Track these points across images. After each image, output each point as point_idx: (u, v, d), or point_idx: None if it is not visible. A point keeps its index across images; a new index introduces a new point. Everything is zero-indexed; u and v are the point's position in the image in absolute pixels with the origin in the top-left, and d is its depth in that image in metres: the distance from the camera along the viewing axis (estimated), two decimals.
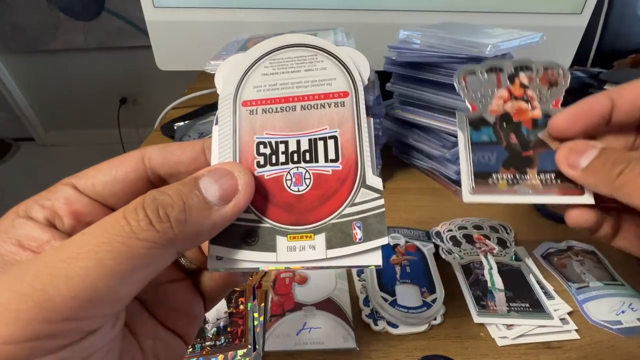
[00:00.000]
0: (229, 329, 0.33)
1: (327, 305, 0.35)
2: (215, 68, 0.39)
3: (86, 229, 0.13)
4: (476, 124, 0.21)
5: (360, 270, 0.38)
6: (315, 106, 0.18)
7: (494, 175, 0.20)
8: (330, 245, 0.16)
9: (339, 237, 0.16)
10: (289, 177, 0.17)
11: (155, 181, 0.17)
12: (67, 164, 1.97)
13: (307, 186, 0.17)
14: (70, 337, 0.12)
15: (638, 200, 0.17)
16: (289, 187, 0.17)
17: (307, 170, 0.17)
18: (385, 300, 0.34)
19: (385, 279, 0.36)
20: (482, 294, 0.35)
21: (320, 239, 0.16)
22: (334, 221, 0.16)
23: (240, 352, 0.31)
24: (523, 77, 0.21)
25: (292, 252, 0.16)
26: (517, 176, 0.20)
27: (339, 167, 0.17)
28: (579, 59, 0.69)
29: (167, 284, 0.18)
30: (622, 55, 0.72)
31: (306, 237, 0.16)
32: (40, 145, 2.19)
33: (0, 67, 1.89)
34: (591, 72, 0.68)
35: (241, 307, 0.34)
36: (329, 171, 0.17)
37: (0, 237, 0.14)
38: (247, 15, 0.57)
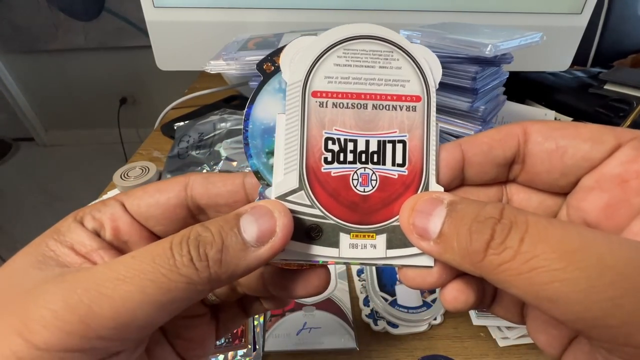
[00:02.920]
0: None
1: (327, 305, 0.35)
2: (216, 68, 0.39)
3: (136, 252, 0.13)
4: None
5: (360, 270, 0.38)
6: (387, 107, 0.17)
7: None
8: (390, 245, 0.16)
9: (399, 239, 0.16)
10: (355, 176, 0.17)
11: (194, 209, 0.17)
12: (67, 164, 1.97)
13: (373, 188, 0.17)
14: (97, 356, 0.12)
15: (526, 291, 0.12)
16: (355, 187, 0.17)
17: (373, 172, 0.17)
18: (385, 300, 0.34)
19: (385, 279, 0.36)
20: None
21: (382, 239, 0.16)
22: (395, 224, 0.17)
23: (240, 352, 0.31)
24: None
25: (354, 249, 0.16)
26: None
27: (404, 172, 0.17)
28: (579, 59, 0.69)
29: (190, 318, 0.19)
30: (622, 55, 0.72)
31: (368, 236, 0.17)
32: (40, 145, 2.19)
33: (0, 67, 1.89)
34: (591, 72, 0.68)
35: None
36: (395, 175, 0.17)
37: (59, 239, 0.15)
38: (247, 15, 0.57)
